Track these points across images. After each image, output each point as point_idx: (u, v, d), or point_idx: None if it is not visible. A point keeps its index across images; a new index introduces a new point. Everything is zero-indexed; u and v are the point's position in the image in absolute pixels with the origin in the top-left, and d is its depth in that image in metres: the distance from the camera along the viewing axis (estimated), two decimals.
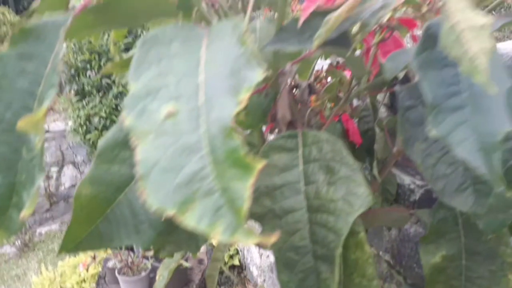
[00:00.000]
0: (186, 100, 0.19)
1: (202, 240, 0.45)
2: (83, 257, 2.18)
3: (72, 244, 0.29)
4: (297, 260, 0.34)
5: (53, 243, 3.27)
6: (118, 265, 1.82)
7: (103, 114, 2.69)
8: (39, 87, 0.22)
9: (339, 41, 0.33)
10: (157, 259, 1.76)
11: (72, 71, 2.66)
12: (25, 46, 0.22)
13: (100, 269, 2.01)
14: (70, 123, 3.01)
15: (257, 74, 0.18)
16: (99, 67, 2.59)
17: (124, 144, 0.31)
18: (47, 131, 3.61)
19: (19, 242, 3.25)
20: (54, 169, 3.74)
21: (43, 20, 0.22)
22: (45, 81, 0.22)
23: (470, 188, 0.35)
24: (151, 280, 1.76)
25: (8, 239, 0.24)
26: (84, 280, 2.01)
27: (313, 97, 0.41)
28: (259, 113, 0.42)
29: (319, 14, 0.31)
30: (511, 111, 0.24)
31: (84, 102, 2.79)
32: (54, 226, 3.56)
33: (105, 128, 2.73)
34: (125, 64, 0.46)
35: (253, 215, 0.36)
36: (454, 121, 0.24)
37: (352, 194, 0.32)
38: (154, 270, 1.79)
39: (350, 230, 0.45)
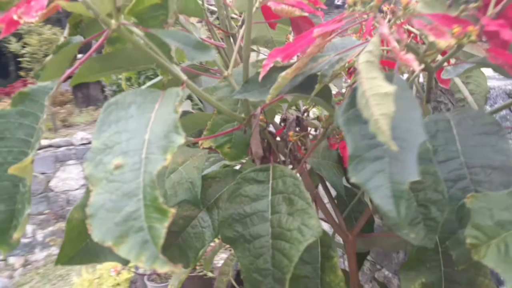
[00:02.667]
0: (132, 154, 0.25)
1: (192, 258, 0.50)
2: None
3: (66, 258, 0.36)
4: (261, 280, 0.38)
5: None
6: (148, 272, 1.91)
7: None
8: (32, 138, 0.28)
9: (302, 88, 0.38)
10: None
11: (115, 87, 2.84)
12: (23, 106, 0.29)
13: (133, 274, 2.12)
14: None
15: (180, 138, 0.23)
16: (138, 84, 2.75)
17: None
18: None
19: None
20: None
21: (36, 86, 0.29)
22: (36, 134, 0.28)
23: (421, 223, 0.38)
24: None
25: (9, 253, 0.30)
26: (118, 284, 2.12)
27: (290, 133, 0.46)
28: (242, 146, 0.47)
29: (277, 70, 0.36)
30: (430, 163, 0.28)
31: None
32: None
33: None
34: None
35: (226, 239, 0.41)
36: (372, 170, 0.28)
37: (305, 225, 0.36)
38: None
39: (326, 255, 0.50)
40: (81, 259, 0.36)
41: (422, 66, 0.41)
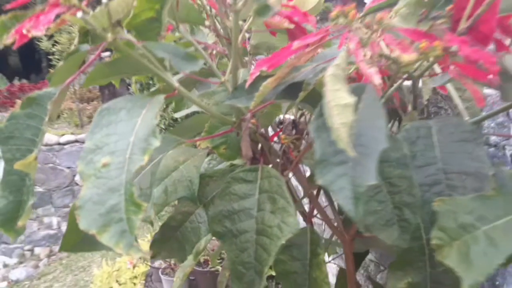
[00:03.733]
0: (118, 154, 0.28)
1: (189, 251, 0.54)
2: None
3: (68, 246, 0.40)
4: (244, 273, 0.41)
5: None
6: (163, 265, 1.98)
7: (162, 126, 2.92)
8: (37, 138, 0.32)
9: (290, 94, 0.41)
10: (198, 263, 1.89)
11: (138, 85, 2.92)
12: (30, 109, 0.33)
13: (149, 268, 2.19)
14: None
15: (157, 142, 0.27)
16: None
17: None
18: None
19: None
20: None
21: (42, 92, 0.33)
22: (41, 134, 0.32)
23: (395, 224, 0.40)
24: (190, 282, 1.89)
25: (16, 239, 0.34)
26: (135, 277, 2.19)
27: (282, 136, 0.49)
28: (237, 147, 0.50)
29: (263, 78, 0.39)
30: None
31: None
32: None
33: None
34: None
35: (215, 234, 0.45)
36: (336, 173, 0.31)
37: (284, 223, 0.39)
38: (194, 273, 1.92)
39: (314, 253, 0.52)
40: (82, 247, 0.40)
41: (405, 76, 0.43)
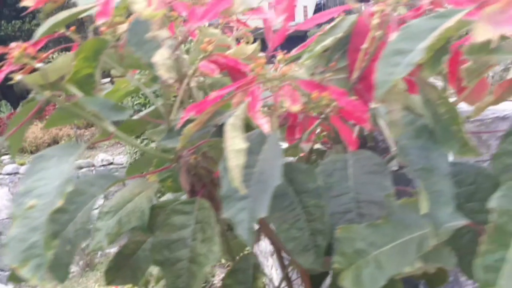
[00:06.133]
0: (44, 197, 0.33)
1: (140, 278, 0.58)
2: None
3: None
4: None
5: None
6: None
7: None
8: None
9: (219, 133, 0.46)
10: None
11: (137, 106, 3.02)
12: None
13: None
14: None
15: (71, 186, 0.32)
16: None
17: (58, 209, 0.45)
18: (111, 163, 3.99)
19: (81, 262, 3.59)
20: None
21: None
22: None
23: (312, 249, 0.45)
24: None
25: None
26: None
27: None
28: None
29: (191, 121, 0.44)
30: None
31: (139, 139, 3.12)
32: (113, 250, 3.89)
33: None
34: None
35: (156, 262, 0.49)
36: (238, 207, 0.36)
37: (210, 251, 0.44)
38: None
39: (256, 276, 0.56)
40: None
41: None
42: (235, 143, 0.34)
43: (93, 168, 4.34)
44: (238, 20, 0.84)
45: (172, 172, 0.55)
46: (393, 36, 0.28)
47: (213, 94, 0.41)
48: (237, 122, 0.35)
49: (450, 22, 0.25)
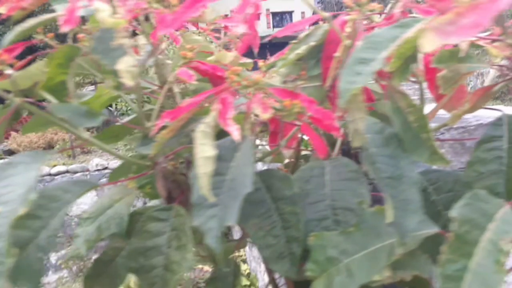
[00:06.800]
0: (9, 204, 0.33)
1: (118, 284, 0.58)
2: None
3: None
4: None
5: None
6: None
7: None
8: None
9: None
10: None
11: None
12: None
13: None
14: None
15: (34, 195, 0.32)
16: None
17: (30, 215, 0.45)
18: (106, 168, 3.97)
19: (75, 268, 3.57)
20: None
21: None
22: None
23: (287, 257, 0.44)
24: None
25: None
26: None
27: None
28: None
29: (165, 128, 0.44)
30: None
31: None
32: None
33: None
34: None
35: (131, 269, 0.49)
36: (208, 215, 0.35)
37: (184, 259, 0.43)
38: None
39: (235, 283, 0.56)
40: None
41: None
42: (204, 150, 0.34)
43: (87, 172, 4.32)
44: (226, 27, 0.84)
45: (151, 179, 0.55)
46: (357, 45, 0.28)
47: (186, 101, 0.41)
48: (207, 129, 0.35)
49: (410, 32, 0.25)
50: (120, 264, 0.57)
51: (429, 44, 0.19)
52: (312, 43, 0.39)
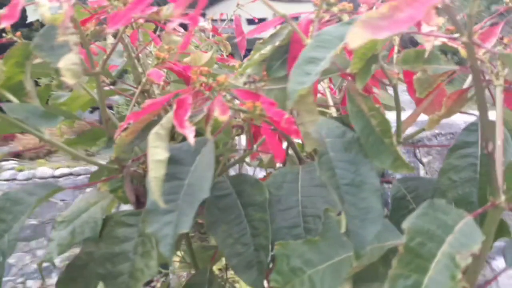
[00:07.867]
0: None
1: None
2: None
3: None
4: None
5: None
6: None
7: None
8: None
9: None
10: None
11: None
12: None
13: None
14: None
15: None
16: None
17: None
18: None
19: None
20: None
21: None
22: None
23: (255, 266, 0.42)
24: None
25: None
26: None
27: None
28: None
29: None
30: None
31: None
32: None
33: None
34: None
35: (98, 275, 0.47)
36: (163, 221, 0.34)
37: (147, 266, 0.42)
38: None
39: None
40: None
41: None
42: (156, 153, 0.33)
43: (89, 175, 4.32)
44: (214, 29, 0.83)
45: (122, 182, 0.53)
46: (307, 43, 0.27)
47: (147, 102, 0.39)
48: (161, 131, 0.34)
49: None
50: (91, 269, 0.55)
51: (356, 39, 0.17)
52: (277, 43, 0.38)
